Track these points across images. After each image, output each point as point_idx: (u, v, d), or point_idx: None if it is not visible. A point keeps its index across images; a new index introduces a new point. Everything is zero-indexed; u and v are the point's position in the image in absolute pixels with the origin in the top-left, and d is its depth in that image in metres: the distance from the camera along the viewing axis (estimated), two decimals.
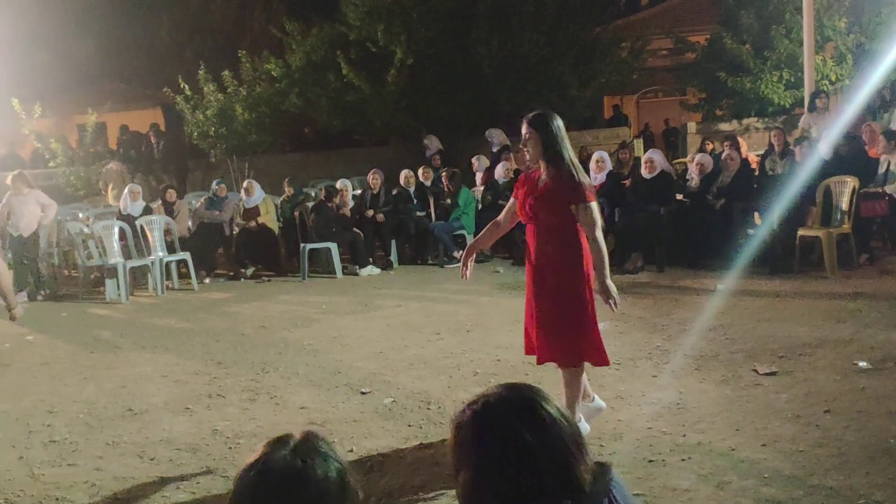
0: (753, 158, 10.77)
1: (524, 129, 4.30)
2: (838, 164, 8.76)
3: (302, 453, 1.47)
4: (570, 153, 4.26)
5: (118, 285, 9.67)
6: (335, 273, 10.27)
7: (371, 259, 10.47)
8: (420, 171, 11.48)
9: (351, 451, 4.46)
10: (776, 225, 8.52)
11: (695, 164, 9.63)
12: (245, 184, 11.23)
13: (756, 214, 9.32)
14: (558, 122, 4.24)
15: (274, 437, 1.53)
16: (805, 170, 8.83)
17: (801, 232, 8.27)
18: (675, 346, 6.06)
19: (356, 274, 10.25)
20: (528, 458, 1.52)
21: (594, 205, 4.20)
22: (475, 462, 1.55)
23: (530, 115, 4.32)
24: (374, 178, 11.21)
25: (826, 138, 9.30)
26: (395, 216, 10.86)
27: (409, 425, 4.80)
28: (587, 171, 10.03)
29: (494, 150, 13.27)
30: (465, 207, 10.49)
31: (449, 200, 10.56)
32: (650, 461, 4.05)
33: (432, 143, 13.87)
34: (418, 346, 6.57)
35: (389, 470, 4.21)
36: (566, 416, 1.60)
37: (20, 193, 10.16)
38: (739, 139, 10.85)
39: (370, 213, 10.85)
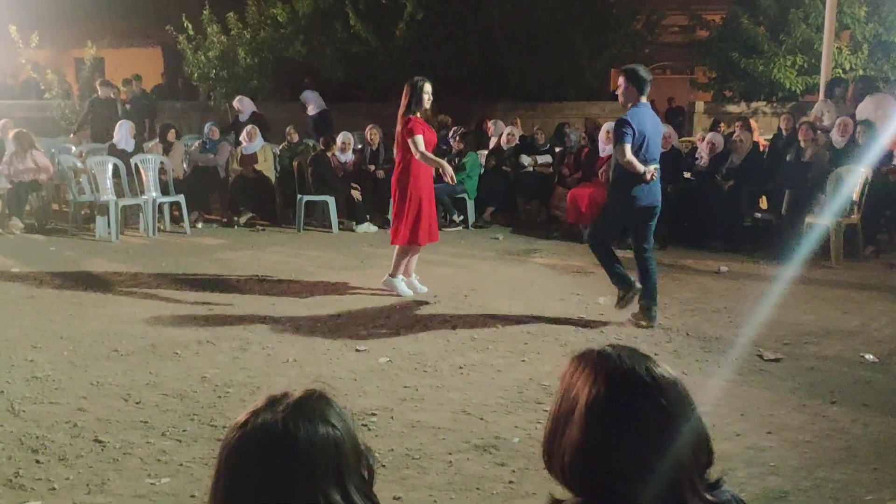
0: (763, 142, 10.60)
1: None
2: (852, 151, 8.59)
3: (291, 416, 1.32)
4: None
5: (109, 223, 9.45)
6: (331, 227, 10.08)
7: (368, 216, 10.27)
8: None
9: (344, 407, 4.31)
10: (784, 211, 8.39)
11: (705, 143, 9.44)
12: (247, 128, 10.96)
13: (763, 198, 9.19)
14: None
15: (271, 394, 1.39)
16: (815, 156, 8.69)
17: (808, 219, 8.13)
18: (677, 326, 5.93)
19: (352, 230, 10.06)
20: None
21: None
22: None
23: None
24: (373, 133, 10.94)
25: (839, 125, 9.13)
26: None
27: (405, 386, 4.66)
28: (595, 141, 9.89)
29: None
30: (471, 171, 10.27)
31: (456, 160, 10.33)
32: None
33: (244, 106, 12.44)
34: (414, 308, 6.42)
35: (382, 430, 4.08)
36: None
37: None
38: (751, 122, 10.65)
39: (371, 168, 10.62)
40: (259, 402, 1.37)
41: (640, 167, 5.67)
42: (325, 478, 1.30)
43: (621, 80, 5.86)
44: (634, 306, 5.96)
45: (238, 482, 1.31)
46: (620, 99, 5.92)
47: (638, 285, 5.94)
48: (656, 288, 5.92)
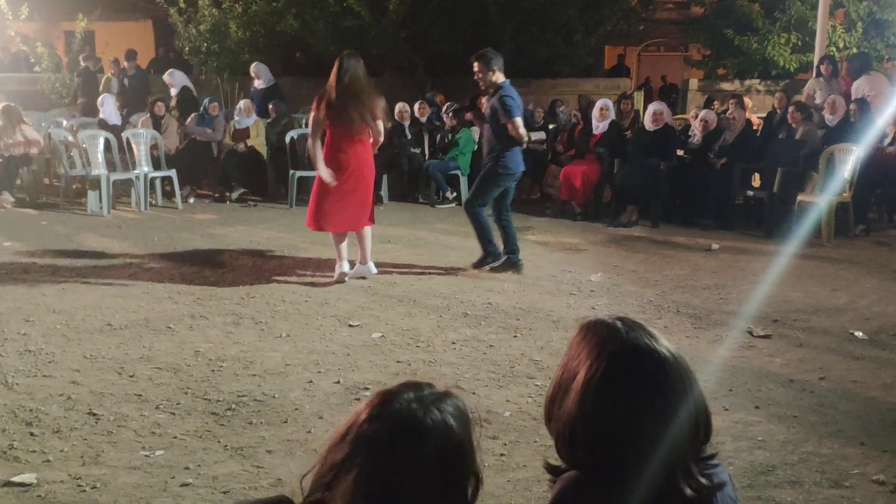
0: (756, 120, 10.60)
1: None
2: (845, 130, 8.59)
3: (426, 405, 1.33)
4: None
5: (100, 198, 9.42)
6: None
7: None
8: (416, 107, 11.19)
9: (338, 382, 4.35)
10: (776, 189, 8.41)
11: (699, 121, 9.44)
12: (242, 103, 10.87)
13: (755, 176, 9.22)
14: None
15: (410, 381, 1.41)
16: (806, 134, 8.69)
17: (800, 197, 8.16)
18: (667, 303, 5.97)
19: None
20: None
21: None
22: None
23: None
24: None
25: (829, 104, 9.12)
26: (388, 150, 10.58)
27: (398, 361, 4.69)
28: (588, 118, 9.88)
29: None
30: (464, 147, 10.24)
31: (450, 136, 10.28)
32: None
33: (175, 80, 12.24)
34: (407, 284, 6.44)
35: None
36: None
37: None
38: (745, 99, 10.64)
39: None
40: (398, 385, 1.38)
41: (527, 137, 6.70)
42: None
43: (477, 65, 6.46)
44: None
45: (369, 459, 1.31)
46: (482, 84, 6.57)
47: (504, 257, 6.75)
48: (517, 238, 6.86)
